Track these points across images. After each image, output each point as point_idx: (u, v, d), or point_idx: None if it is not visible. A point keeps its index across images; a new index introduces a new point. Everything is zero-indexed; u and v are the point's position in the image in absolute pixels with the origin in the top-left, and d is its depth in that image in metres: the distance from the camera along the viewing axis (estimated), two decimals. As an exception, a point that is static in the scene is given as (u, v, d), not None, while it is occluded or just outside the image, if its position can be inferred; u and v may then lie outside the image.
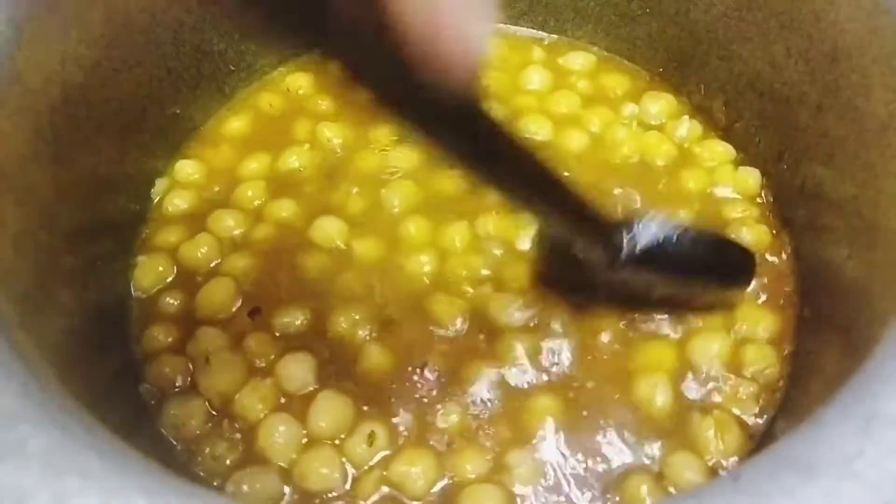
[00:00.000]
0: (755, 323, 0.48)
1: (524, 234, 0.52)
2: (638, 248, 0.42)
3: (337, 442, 0.44)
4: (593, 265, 0.44)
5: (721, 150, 0.57)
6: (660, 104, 0.60)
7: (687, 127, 0.58)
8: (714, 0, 0.55)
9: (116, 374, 0.46)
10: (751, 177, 0.55)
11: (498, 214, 0.53)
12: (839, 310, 0.44)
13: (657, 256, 0.42)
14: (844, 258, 0.45)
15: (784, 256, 0.52)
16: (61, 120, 0.45)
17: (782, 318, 0.49)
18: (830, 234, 0.47)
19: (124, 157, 0.53)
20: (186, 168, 0.57)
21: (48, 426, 0.28)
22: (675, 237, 0.43)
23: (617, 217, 0.43)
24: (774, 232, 0.53)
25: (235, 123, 0.61)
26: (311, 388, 0.46)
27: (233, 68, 0.61)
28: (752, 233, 0.52)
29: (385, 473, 0.43)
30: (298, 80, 0.63)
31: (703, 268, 0.46)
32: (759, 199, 0.55)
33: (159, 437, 0.45)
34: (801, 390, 0.43)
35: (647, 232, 0.42)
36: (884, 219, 0.41)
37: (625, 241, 0.42)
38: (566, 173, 0.38)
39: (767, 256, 0.52)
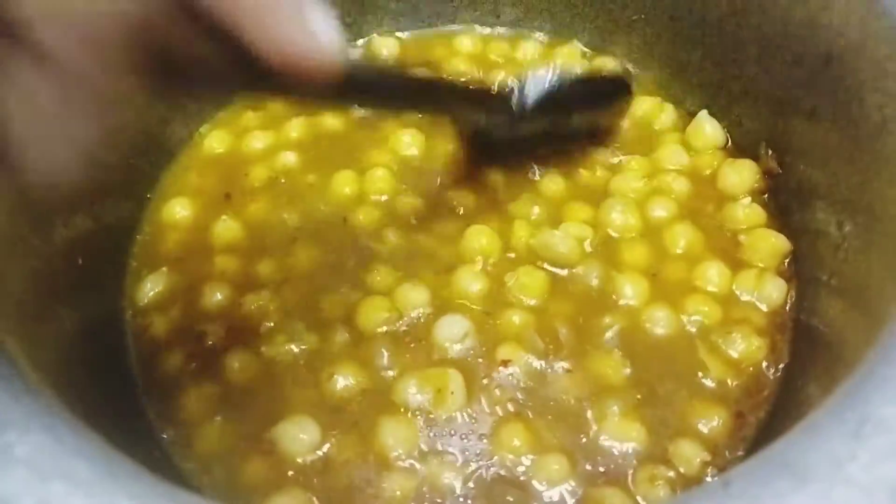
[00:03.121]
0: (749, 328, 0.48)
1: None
2: (529, 103, 0.51)
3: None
4: (501, 131, 0.52)
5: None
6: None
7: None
8: (708, 5, 0.55)
9: (110, 379, 0.45)
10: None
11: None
12: (835, 314, 0.44)
13: (548, 104, 0.51)
14: (840, 263, 0.45)
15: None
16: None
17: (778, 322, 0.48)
18: (826, 239, 0.47)
19: (120, 161, 0.53)
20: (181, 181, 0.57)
21: (36, 431, 0.28)
22: (558, 86, 0.52)
23: (505, 85, 0.51)
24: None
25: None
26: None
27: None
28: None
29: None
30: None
31: (588, 101, 0.56)
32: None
33: (152, 436, 0.45)
34: (794, 396, 0.43)
35: (534, 89, 0.51)
36: (878, 224, 0.41)
37: (515, 101, 0.50)
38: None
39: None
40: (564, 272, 0.50)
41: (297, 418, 0.44)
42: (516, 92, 0.50)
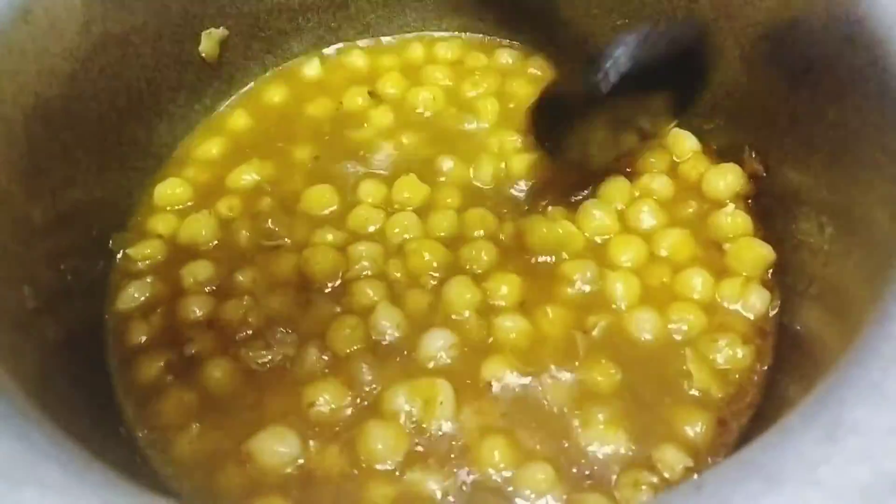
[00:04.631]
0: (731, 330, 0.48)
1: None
2: (612, 79, 0.45)
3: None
4: (583, 104, 0.47)
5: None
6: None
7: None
8: (692, 9, 0.55)
9: (90, 385, 0.45)
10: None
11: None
12: (815, 319, 0.44)
13: (632, 77, 0.45)
14: (821, 267, 0.45)
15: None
16: (37, 130, 0.45)
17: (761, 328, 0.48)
18: (808, 243, 0.47)
19: (103, 170, 0.53)
20: (167, 189, 0.57)
21: (8, 437, 0.28)
22: (643, 54, 0.46)
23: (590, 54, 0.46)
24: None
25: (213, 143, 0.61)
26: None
27: (213, 79, 0.62)
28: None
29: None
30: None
31: (670, 71, 0.48)
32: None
33: (132, 442, 0.45)
34: (776, 402, 0.43)
35: (618, 62, 0.45)
36: (858, 226, 0.41)
37: (600, 76, 0.45)
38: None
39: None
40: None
41: (276, 430, 0.44)
42: (598, 68, 0.45)
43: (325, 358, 0.47)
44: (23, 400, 0.31)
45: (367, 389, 0.46)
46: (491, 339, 0.48)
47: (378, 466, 0.43)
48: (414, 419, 0.44)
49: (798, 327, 0.46)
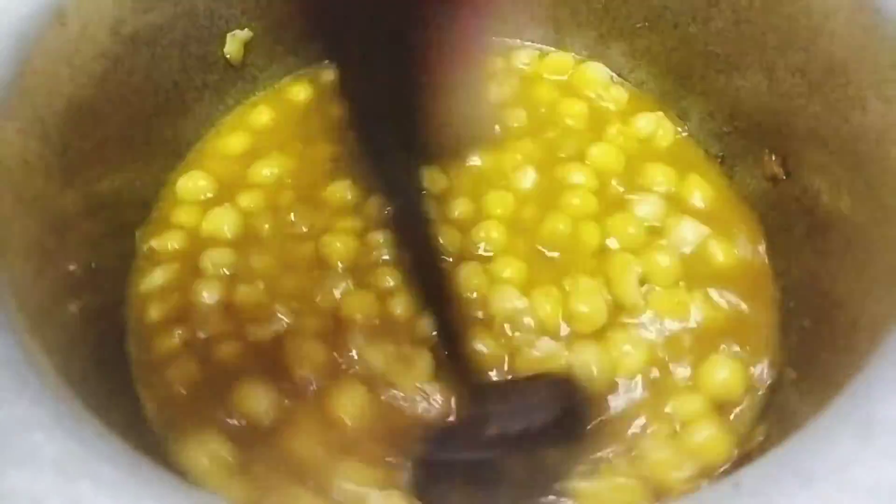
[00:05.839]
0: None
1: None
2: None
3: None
4: None
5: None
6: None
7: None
8: (712, 14, 0.56)
9: (121, 381, 0.46)
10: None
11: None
12: (839, 317, 0.44)
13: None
14: (843, 268, 0.45)
15: (780, 267, 0.52)
16: (69, 131, 0.46)
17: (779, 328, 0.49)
18: (828, 245, 0.47)
19: (130, 167, 0.54)
20: (189, 182, 0.58)
21: (61, 433, 0.28)
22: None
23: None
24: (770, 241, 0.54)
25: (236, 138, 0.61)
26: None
27: (236, 80, 0.62)
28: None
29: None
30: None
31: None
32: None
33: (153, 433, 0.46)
34: (796, 400, 0.44)
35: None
36: (881, 229, 0.41)
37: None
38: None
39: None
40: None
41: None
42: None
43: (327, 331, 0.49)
44: (70, 398, 0.32)
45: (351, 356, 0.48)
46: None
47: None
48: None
49: (808, 352, 0.47)
